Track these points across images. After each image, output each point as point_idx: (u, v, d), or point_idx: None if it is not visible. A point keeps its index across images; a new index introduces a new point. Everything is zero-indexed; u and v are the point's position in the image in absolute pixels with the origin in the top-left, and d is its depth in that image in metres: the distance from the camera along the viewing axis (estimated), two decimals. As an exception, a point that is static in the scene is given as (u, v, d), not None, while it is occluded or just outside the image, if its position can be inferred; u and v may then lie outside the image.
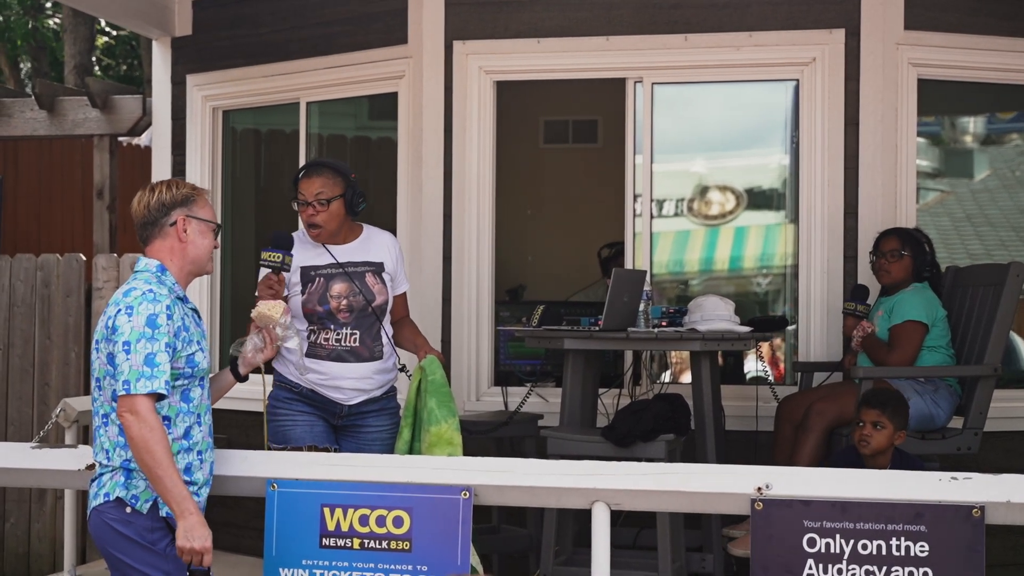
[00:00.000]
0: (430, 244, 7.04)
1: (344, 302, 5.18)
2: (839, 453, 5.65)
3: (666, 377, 6.96)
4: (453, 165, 7.04)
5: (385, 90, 7.36)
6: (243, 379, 4.61)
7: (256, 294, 5.00)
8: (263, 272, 5.04)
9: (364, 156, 8.38)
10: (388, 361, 5.30)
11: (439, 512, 4.28)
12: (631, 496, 4.25)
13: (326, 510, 4.35)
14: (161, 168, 8.13)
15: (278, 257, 4.98)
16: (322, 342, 5.21)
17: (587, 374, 6.04)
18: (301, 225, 5.34)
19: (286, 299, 5.08)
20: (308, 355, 5.20)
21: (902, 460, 5.48)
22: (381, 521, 4.32)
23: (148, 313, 4.03)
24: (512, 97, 7.35)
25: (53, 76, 18.76)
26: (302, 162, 7.66)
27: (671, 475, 4.26)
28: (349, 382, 5.20)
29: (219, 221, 4.36)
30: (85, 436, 7.82)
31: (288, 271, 5.03)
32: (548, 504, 4.62)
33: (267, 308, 4.53)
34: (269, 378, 5.15)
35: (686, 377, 7.13)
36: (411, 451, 5.12)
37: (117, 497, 4.07)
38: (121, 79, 20.33)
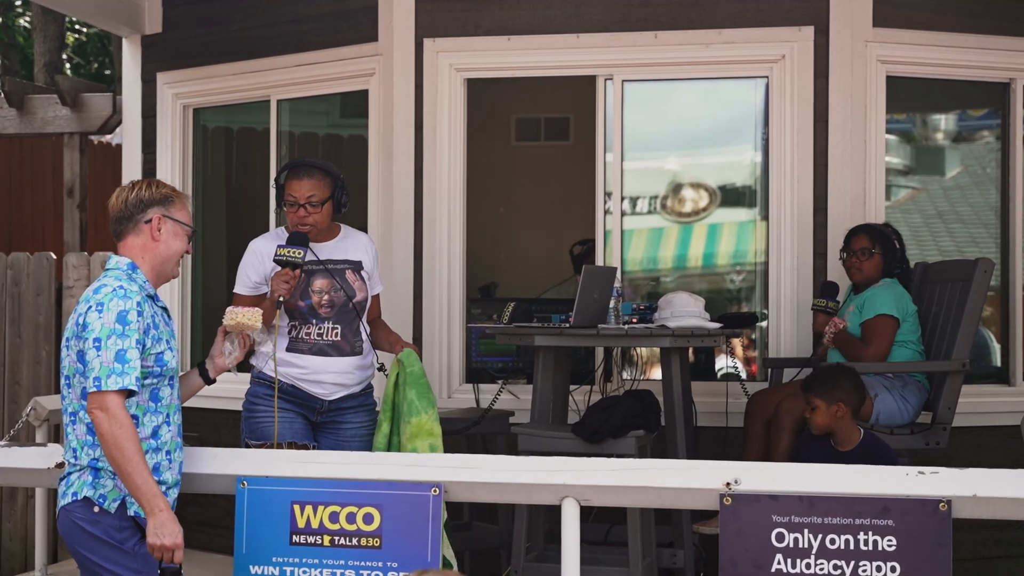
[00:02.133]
0: (401, 242, 7.04)
1: (325, 297, 5.23)
2: (802, 442, 5.69)
3: (636, 374, 6.96)
4: (424, 163, 7.04)
5: (356, 88, 7.35)
6: (211, 382, 4.61)
7: (271, 288, 5.09)
8: (264, 266, 5.13)
9: (335, 154, 8.37)
10: (367, 357, 5.35)
11: (409, 509, 4.29)
12: (600, 492, 4.27)
13: (296, 507, 4.35)
14: (132, 166, 8.12)
15: (298, 253, 5.10)
16: (304, 336, 5.24)
17: (558, 371, 6.05)
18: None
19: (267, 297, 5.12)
20: (290, 350, 5.24)
21: (872, 444, 5.51)
22: (351, 518, 4.33)
23: (119, 310, 4.03)
24: (483, 95, 7.36)
25: (23, 74, 18.68)
26: (273, 160, 7.66)
27: (641, 471, 4.29)
28: (331, 376, 5.23)
29: (195, 227, 4.36)
30: (56, 435, 7.80)
31: (303, 267, 5.10)
32: (518, 500, 4.64)
33: (244, 317, 4.53)
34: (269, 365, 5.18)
35: (656, 373, 7.15)
36: (390, 444, 5.14)
37: (85, 496, 4.07)
38: (92, 77, 20.26)
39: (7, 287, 8.99)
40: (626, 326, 5.86)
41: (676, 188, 8.90)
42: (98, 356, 3.98)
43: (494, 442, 6.44)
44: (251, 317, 4.52)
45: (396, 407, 5.17)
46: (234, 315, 4.53)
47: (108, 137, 11.23)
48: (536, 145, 10.04)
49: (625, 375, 6.78)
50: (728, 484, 4.13)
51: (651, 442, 5.71)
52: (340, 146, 8.52)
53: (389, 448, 5.15)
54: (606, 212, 6.97)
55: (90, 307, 4.05)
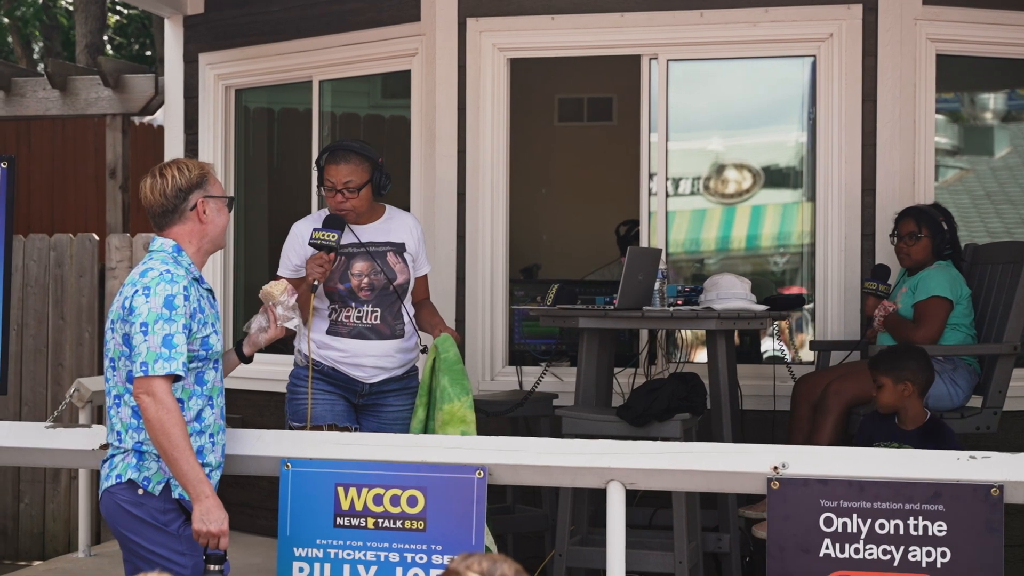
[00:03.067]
0: (444, 223, 7.03)
1: (365, 280, 5.21)
2: (866, 419, 5.63)
3: (681, 356, 6.93)
4: (467, 143, 7.02)
5: (398, 68, 7.34)
6: (248, 360, 4.59)
7: (306, 271, 5.10)
8: (304, 249, 5.15)
9: (377, 135, 8.37)
10: (409, 340, 5.32)
11: (454, 491, 4.28)
12: (646, 475, 4.25)
13: (340, 489, 4.35)
14: (174, 147, 8.14)
15: (333, 237, 5.09)
16: (343, 319, 5.23)
17: (602, 353, 6.04)
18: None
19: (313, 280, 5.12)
20: (329, 332, 5.24)
21: (936, 427, 5.45)
22: (395, 500, 4.32)
23: (166, 294, 4.02)
24: (526, 74, 7.33)
25: (65, 56, 18.75)
26: (315, 141, 7.66)
27: (686, 454, 4.26)
28: (370, 359, 5.22)
29: (229, 194, 4.37)
30: (99, 416, 7.85)
31: (337, 251, 5.09)
32: (563, 483, 4.62)
33: (269, 286, 4.53)
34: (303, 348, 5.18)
35: (702, 356, 7.12)
36: (425, 430, 5.13)
37: (129, 479, 4.07)
38: (133, 58, 20.33)
39: (50, 269, 9.04)
40: (671, 308, 5.84)
41: (719, 169, 8.86)
42: (145, 341, 3.97)
43: (538, 425, 6.44)
44: (275, 286, 4.51)
45: (431, 393, 5.17)
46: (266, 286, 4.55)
47: (150, 118, 11.24)
48: (579, 126, 10.01)
49: (670, 358, 6.75)
50: (776, 468, 4.10)
51: (696, 425, 5.69)
52: (382, 127, 8.51)
53: (425, 434, 5.13)
54: (650, 193, 6.93)
55: (136, 291, 4.04)
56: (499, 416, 6.19)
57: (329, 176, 5.20)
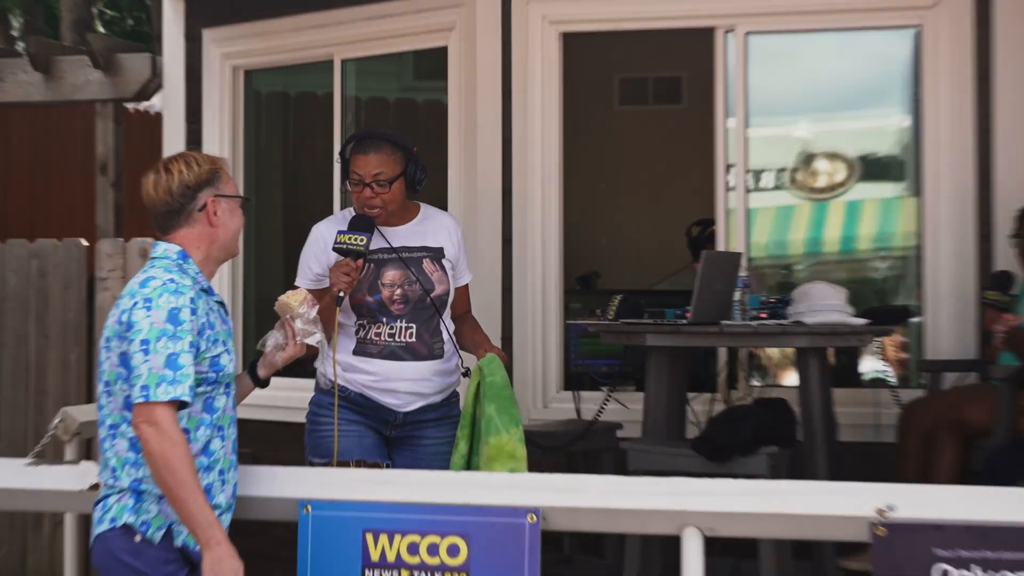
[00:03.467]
0: (487, 225, 7.04)
1: (398, 291, 5.19)
2: (998, 453, 5.57)
3: (766, 379, 6.91)
4: (513, 132, 7.03)
5: (433, 44, 7.37)
6: (263, 384, 4.59)
7: (330, 280, 5.08)
8: (328, 255, 5.13)
9: (409, 122, 8.41)
10: (449, 361, 5.31)
11: (501, 539, 4.25)
12: (728, 520, 4.21)
13: (369, 536, 4.33)
14: (174, 138, 8.18)
15: (361, 240, 5.07)
16: (373, 337, 5.22)
17: (673, 376, 6.02)
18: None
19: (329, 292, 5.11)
20: (357, 352, 5.23)
21: None
22: (434, 549, 4.30)
23: (170, 307, 4.02)
24: (582, 51, 7.33)
25: (49, 33, 18.93)
26: (337, 130, 7.69)
27: (775, 495, 4.22)
28: (404, 384, 5.22)
29: (245, 194, 4.37)
30: (88, 451, 7.87)
31: (366, 257, 5.09)
32: (630, 529, 4.60)
33: (286, 296, 4.54)
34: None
35: (791, 379, 7.09)
36: (468, 466, 5.11)
37: (125, 523, 4.07)
38: (127, 35, 20.49)
39: (32, 279, 9.09)
40: (754, 322, 5.84)
41: (808, 159, 8.86)
42: (146, 361, 3.97)
43: (599, 460, 6.43)
44: (292, 296, 4.52)
45: (476, 423, 5.15)
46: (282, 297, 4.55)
47: (146, 104, 11.32)
48: (643, 110, 10.03)
49: (753, 381, 6.73)
50: (881, 511, 4.06)
51: (786, 460, 5.67)
52: (414, 113, 8.54)
53: (468, 471, 5.12)
54: (727, 188, 6.91)
55: (136, 303, 4.05)
56: (554, 450, 6.19)
57: (356, 167, 5.20)
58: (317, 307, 4.57)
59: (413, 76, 8.73)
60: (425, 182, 5.28)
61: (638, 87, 10.02)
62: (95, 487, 4.35)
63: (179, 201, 4.19)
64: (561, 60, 7.07)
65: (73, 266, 9.01)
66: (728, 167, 6.95)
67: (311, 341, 4.55)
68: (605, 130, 9.80)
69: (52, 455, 8.22)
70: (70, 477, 4.62)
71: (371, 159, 5.18)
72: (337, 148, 7.62)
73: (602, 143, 9.71)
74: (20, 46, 19.43)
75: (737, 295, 5.95)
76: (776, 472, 5.57)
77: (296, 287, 5.04)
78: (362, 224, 5.13)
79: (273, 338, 4.55)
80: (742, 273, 5.99)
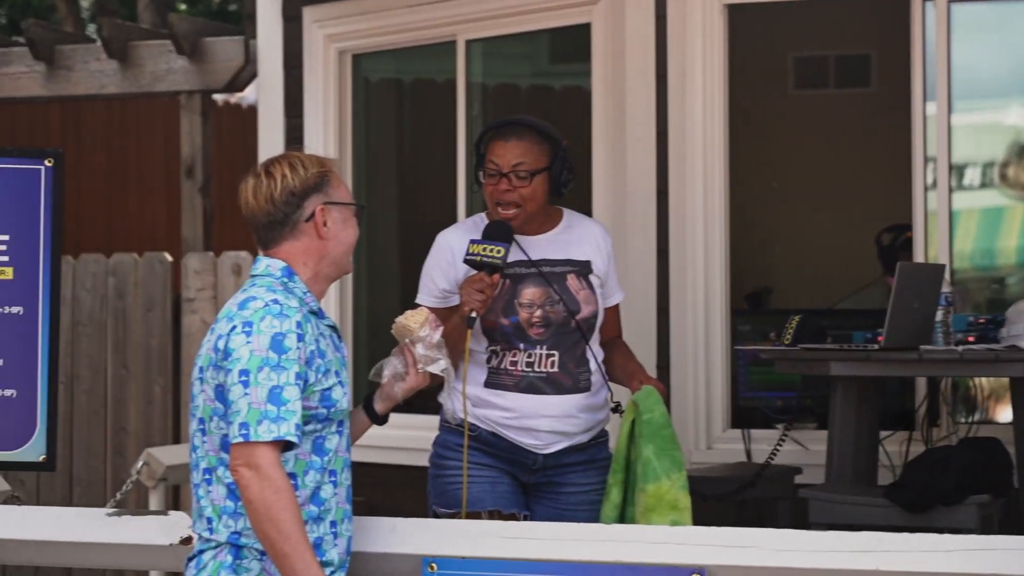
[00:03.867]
0: (638, 233, 7.04)
1: (538, 313, 5.19)
2: None
3: (975, 415, 6.83)
4: (670, 122, 7.03)
5: (573, 21, 7.39)
6: (381, 420, 4.61)
7: (460, 299, 5.08)
8: (456, 269, 5.15)
9: (543, 112, 8.41)
10: (598, 395, 5.30)
11: (661, 604, 4.27)
12: (931, 582, 4.20)
13: (504, 600, 4.37)
14: (271, 135, 8.27)
15: (499, 251, 5.05)
16: (508, 367, 5.23)
17: (863, 411, 6.00)
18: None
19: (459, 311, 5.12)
20: (489, 385, 5.23)
21: None
22: (581, 616, 4.33)
23: (273, 332, 4.05)
24: (750, 26, 7.32)
25: (125, 14, 19.20)
26: (461, 121, 7.73)
27: (987, 552, 4.19)
28: (545, 422, 5.21)
29: (361, 202, 4.40)
30: (176, 499, 8.00)
31: (504, 271, 5.09)
32: (813, 593, 4.58)
33: (405, 317, 4.54)
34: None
35: (1004, 415, 7.01)
36: (622, 518, 5.12)
37: (222, 583, 4.14)
38: (215, 16, 20.74)
39: (108, 301, 9.22)
40: (960, 347, 5.78)
41: (1021, 151, 8.76)
42: (246, 395, 4.01)
43: (774, 511, 6.42)
44: (412, 318, 4.52)
45: (630, 467, 5.15)
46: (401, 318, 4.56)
47: (238, 96, 11.47)
48: (824, 94, 9.96)
49: (959, 417, 6.66)
50: (1117, 571, 4.02)
51: (999, 510, 5.61)
52: (550, 101, 8.57)
53: (621, 523, 5.13)
54: (927, 186, 6.86)
55: (234, 327, 4.09)
56: (721, 499, 6.18)
57: (494, 155, 5.19)
58: (442, 329, 4.56)
59: (549, 59, 8.76)
60: (571, 185, 5.28)
61: (817, 67, 9.96)
62: (187, 541, 4.42)
63: (283, 210, 4.22)
64: (726, 37, 7.05)
65: (156, 285, 9.13)
66: (927, 160, 6.89)
67: (435, 369, 4.53)
68: (778, 119, 9.75)
69: (135, 503, 8.36)
70: (157, 529, 4.67)
71: (512, 146, 5.17)
72: (461, 142, 7.68)
73: (775, 135, 9.66)
74: (92, 30, 19.75)
75: (939, 315, 5.90)
76: (987, 525, 5.53)
77: (417, 306, 5.07)
78: (499, 232, 5.11)
79: (391, 366, 4.54)
80: (945, 289, 5.94)
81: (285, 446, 4.02)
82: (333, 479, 4.22)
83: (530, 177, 5.15)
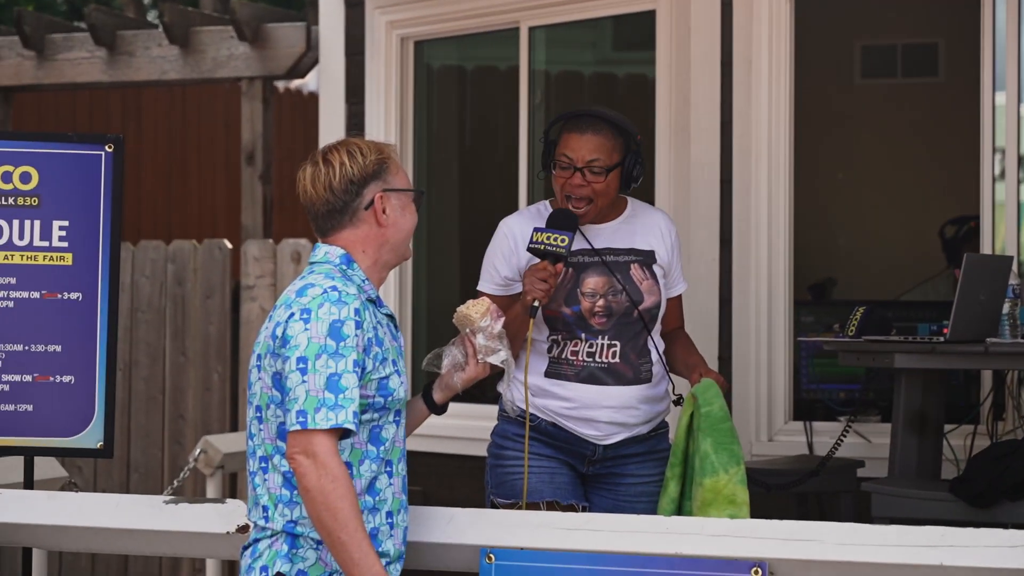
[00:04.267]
0: (702, 223, 7.03)
1: (600, 302, 5.18)
2: None
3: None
4: (735, 112, 7.01)
5: (637, 8, 7.37)
6: (440, 410, 4.62)
7: (523, 287, 5.05)
8: (519, 257, 5.14)
9: (607, 100, 8.41)
10: (659, 386, 5.29)
11: (720, 597, 4.26)
12: (995, 577, 4.17)
13: (563, 592, 4.36)
14: (332, 121, 8.29)
15: (563, 240, 5.03)
16: (569, 356, 5.22)
17: (927, 404, 5.97)
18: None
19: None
20: (549, 375, 5.22)
21: None
22: (640, 608, 4.32)
23: (331, 319, 4.06)
24: (817, 14, 7.29)
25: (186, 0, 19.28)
26: (524, 109, 7.72)
27: (1053, 548, 4.17)
28: (605, 412, 5.21)
29: (420, 187, 4.39)
30: (233, 487, 8.02)
31: (566, 261, 5.08)
32: (875, 588, 4.55)
33: (466, 307, 4.54)
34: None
35: (1072, 409, 6.96)
36: (679, 512, 5.10)
37: (278, 572, 4.11)
38: (276, 1, 20.79)
39: (167, 287, 9.26)
40: (1028, 340, 5.74)
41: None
42: (303, 382, 4.02)
43: (836, 504, 6.41)
44: (473, 307, 4.51)
45: (688, 461, 5.14)
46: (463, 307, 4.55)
47: (299, 83, 11.51)
48: (891, 84, 9.91)
49: (1026, 411, 6.63)
50: None
51: (1066, 507, 5.57)
52: (614, 89, 8.56)
53: (679, 516, 5.11)
54: (995, 177, 6.82)
55: (292, 314, 4.09)
56: (782, 491, 6.15)
57: (567, 149, 5.17)
58: (503, 319, 4.56)
59: (612, 46, 8.74)
60: (642, 179, 5.25)
61: (885, 56, 9.91)
62: (243, 529, 4.43)
63: (341, 198, 4.22)
64: (792, 24, 7.03)
65: (216, 272, 9.16)
66: (996, 151, 6.84)
67: (495, 360, 4.53)
68: (844, 108, 9.71)
69: (192, 491, 8.40)
70: (214, 517, 4.68)
71: (588, 140, 5.15)
72: (523, 129, 7.68)
73: (841, 124, 9.62)
74: (153, 15, 19.84)
75: (1006, 307, 5.86)
76: (1054, 521, 5.48)
77: (479, 295, 5.06)
78: (564, 221, 5.08)
79: (451, 356, 4.55)
80: (1012, 281, 5.90)
81: (342, 434, 4.03)
82: (389, 469, 4.22)
83: (605, 173, 5.13)
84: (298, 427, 3.99)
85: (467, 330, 4.52)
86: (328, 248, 4.24)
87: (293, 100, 12.22)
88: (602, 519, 4.57)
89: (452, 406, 4.68)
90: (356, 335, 4.06)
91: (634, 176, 5.19)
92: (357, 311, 4.09)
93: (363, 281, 4.21)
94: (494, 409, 5.41)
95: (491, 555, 4.43)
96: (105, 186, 5.59)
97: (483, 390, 5.60)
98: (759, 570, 4.25)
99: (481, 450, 5.42)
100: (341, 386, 4.01)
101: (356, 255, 4.23)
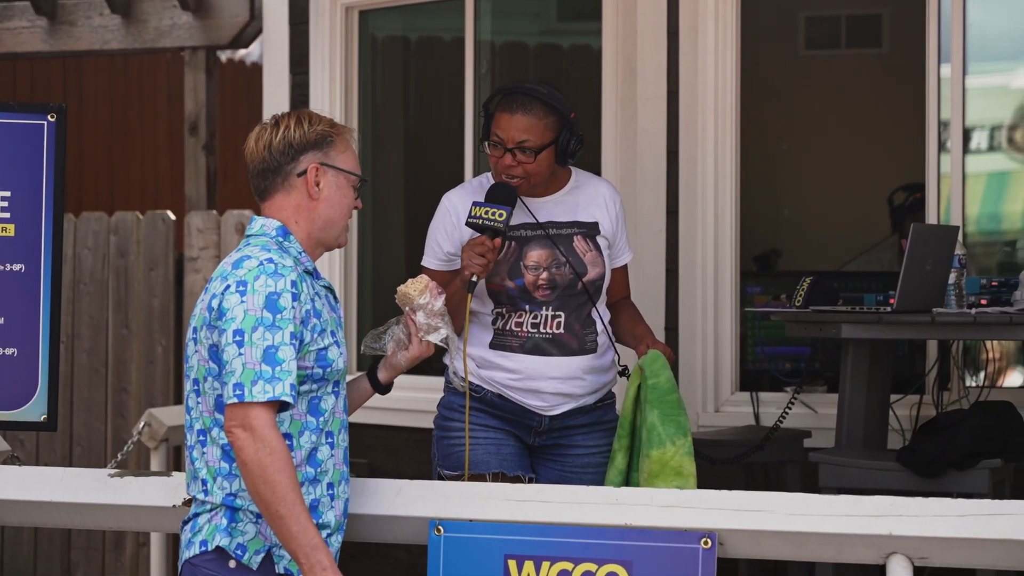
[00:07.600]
0: (648, 194, 7.02)
1: (544, 275, 5.18)
2: None
3: (987, 379, 6.82)
4: (680, 82, 7.00)
5: (583, -22, 7.35)
6: (384, 389, 4.62)
7: (461, 262, 5.05)
8: (461, 231, 5.13)
9: (553, 72, 8.40)
10: (604, 356, 5.29)
11: (670, 567, 4.25)
12: (942, 546, 4.18)
13: (512, 563, 4.34)
14: (276, 92, 8.24)
15: (501, 215, 5.03)
16: (513, 328, 5.22)
17: (874, 375, 5.98)
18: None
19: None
20: (494, 346, 5.23)
21: None
22: (589, 579, 4.31)
23: (268, 291, 4.05)
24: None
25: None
26: (469, 80, 7.70)
27: (1000, 517, 4.17)
28: (550, 383, 5.21)
29: (363, 174, 4.37)
30: (177, 459, 7.98)
31: (506, 235, 5.07)
32: (823, 558, 4.56)
33: (406, 285, 4.54)
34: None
35: (1016, 378, 6.99)
36: (627, 484, 5.11)
37: (218, 546, 4.11)
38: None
39: (110, 259, 9.21)
40: (973, 310, 5.75)
41: (1029, 115, 8.76)
42: (240, 355, 4.01)
43: (783, 475, 6.42)
44: (412, 285, 4.52)
45: (635, 432, 5.14)
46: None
47: (243, 53, 11.44)
48: (835, 55, 9.94)
49: (970, 381, 6.63)
50: None
51: (1011, 476, 5.61)
52: (559, 60, 8.53)
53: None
54: (940, 148, 6.83)
55: (228, 286, 4.08)
56: (729, 463, 6.16)
57: (499, 128, 5.17)
58: (444, 297, 4.56)
59: (557, 17, 8.72)
60: (580, 153, 5.24)
61: (829, 27, 9.93)
62: (189, 503, 4.40)
63: (277, 159, 4.23)
64: (738, -6, 7.04)
65: (159, 243, 9.12)
66: (941, 124, 6.85)
67: (435, 339, 4.54)
68: (789, 79, 9.73)
69: (136, 464, 8.36)
70: (158, 491, 4.67)
71: (517, 121, 5.14)
72: (469, 101, 7.65)
73: (785, 95, 9.64)
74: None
75: (952, 277, 5.86)
76: (999, 490, 5.52)
77: (423, 270, 5.04)
78: (503, 195, 5.08)
79: (394, 334, 4.56)
80: (958, 251, 5.90)
81: (280, 407, 4.03)
82: (330, 440, 4.22)
83: (534, 154, 5.13)
84: (235, 400, 3.98)
85: (407, 308, 4.52)
86: (264, 221, 4.25)
87: (236, 70, 12.16)
88: (552, 490, 4.56)
89: (399, 378, 4.69)
90: (293, 307, 4.06)
91: (570, 151, 5.18)
92: (294, 283, 4.09)
93: (299, 253, 4.22)
94: (441, 381, 5.41)
95: (440, 527, 4.42)
96: (48, 156, 5.53)
97: (430, 362, 5.57)
98: (708, 540, 4.25)
99: (428, 422, 5.42)
100: (278, 358, 4.01)
101: (290, 225, 4.24)
